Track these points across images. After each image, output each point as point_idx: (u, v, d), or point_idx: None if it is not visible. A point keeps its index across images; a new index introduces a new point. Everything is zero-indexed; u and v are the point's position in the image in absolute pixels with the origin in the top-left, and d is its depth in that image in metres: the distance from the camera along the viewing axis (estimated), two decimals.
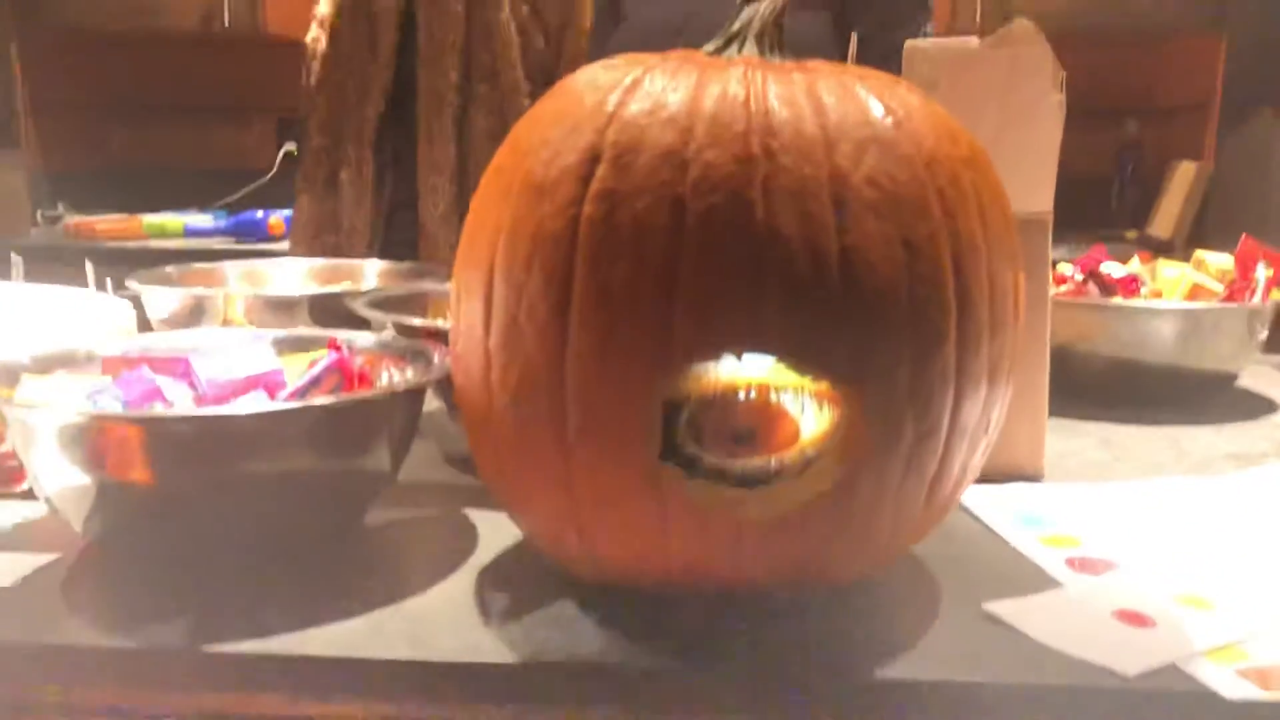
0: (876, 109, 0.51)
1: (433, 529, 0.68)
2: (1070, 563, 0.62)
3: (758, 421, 0.49)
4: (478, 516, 0.68)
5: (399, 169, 1.90)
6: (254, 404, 0.64)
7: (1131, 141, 2.84)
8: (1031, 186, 0.73)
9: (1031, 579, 0.60)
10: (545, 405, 0.50)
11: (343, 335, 0.73)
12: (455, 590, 0.58)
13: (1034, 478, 0.77)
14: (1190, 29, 2.58)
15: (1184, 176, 2.59)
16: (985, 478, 0.73)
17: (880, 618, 0.55)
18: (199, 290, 0.89)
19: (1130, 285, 1.01)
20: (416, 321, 0.75)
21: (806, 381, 0.49)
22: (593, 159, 0.49)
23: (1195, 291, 0.99)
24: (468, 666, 0.50)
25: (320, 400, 0.62)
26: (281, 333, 0.76)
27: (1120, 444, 0.87)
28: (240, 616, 0.54)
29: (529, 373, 0.50)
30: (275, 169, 2.90)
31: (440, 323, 0.75)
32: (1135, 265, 1.06)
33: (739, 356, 0.48)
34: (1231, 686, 0.48)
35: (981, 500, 0.71)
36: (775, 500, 0.49)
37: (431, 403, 0.76)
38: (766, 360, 0.48)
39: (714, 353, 0.48)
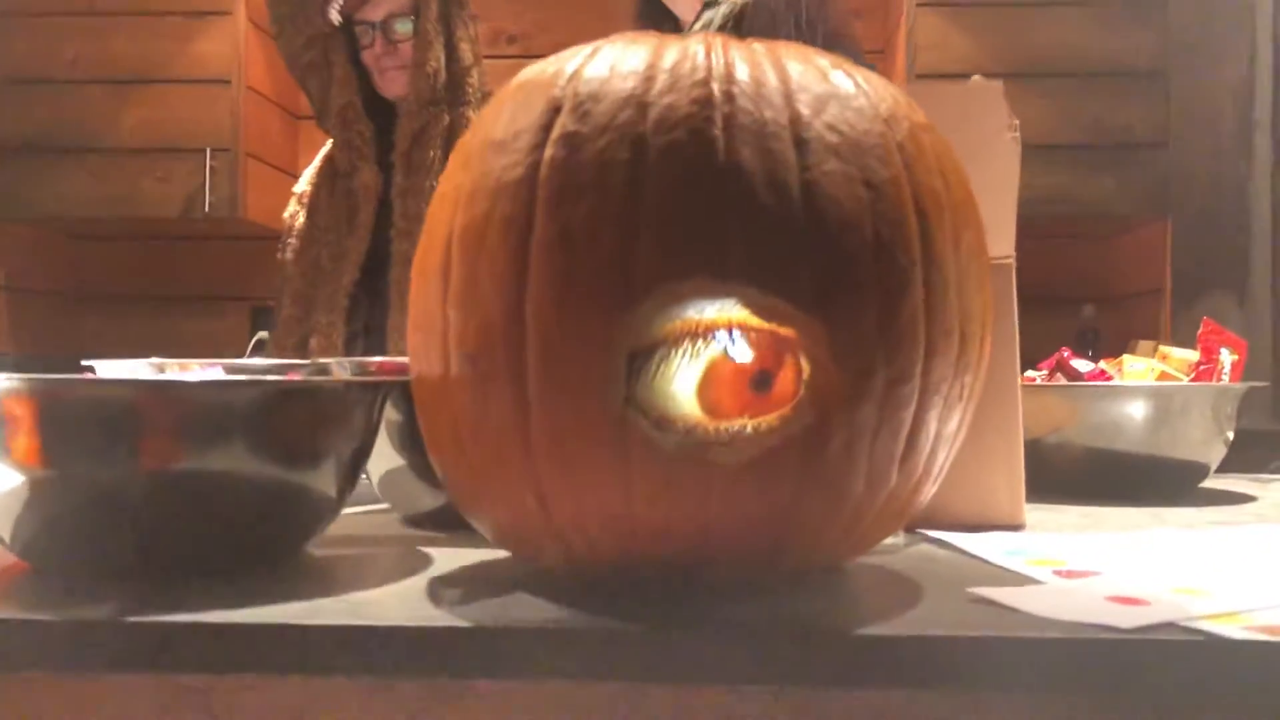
0: (837, 74, 0.51)
1: (384, 556, 0.64)
2: (1058, 574, 0.59)
3: (770, 363, 0.48)
4: (435, 551, 0.64)
5: (370, 339, 1.91)
6: (196, 374, 0.61)
7: (1088, 326, 2.91)
8: (993, 231, 0.73)
9: (1016, 580, 0.56)
10: (503, 359, 0.48)
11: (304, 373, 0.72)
12: (405, 589, 0.54)
13: (1015, 527, 0.74)
14: (1139, 216, 2.69)
15: (1144, 351, 2.63)
16: (965, 526, 0.71)
17: (860, 596, 0.52)
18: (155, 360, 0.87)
19: (1099, 378, 1.00)
20: (375, 359, 0.73)
21: (774, 320, 0.47)
22: (553, 109, 0.49)
23: (1163, 379, 0.99)
24: (414, 631, 0.46)
25: (270, 377, 0.60)
26: (238, 376, 0.74)
27: (1099, 516, 0.85)
28: (164, 594, 0.50)
29: (487, 326, 0.48)
30: (246, 357, 2.91)
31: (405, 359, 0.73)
32: (1101, 364, 1.06)
33: (703, 293, 0.46)
34: (1238, 635, 0.45)
35: (960, 539, 0.68)
36: (744, 445, 0.47)
37: (392, 459, 0.74)
38: (729, 301, 0.47)
39: (677, 288, 0.46)
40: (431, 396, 0.52)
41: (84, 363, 0.93)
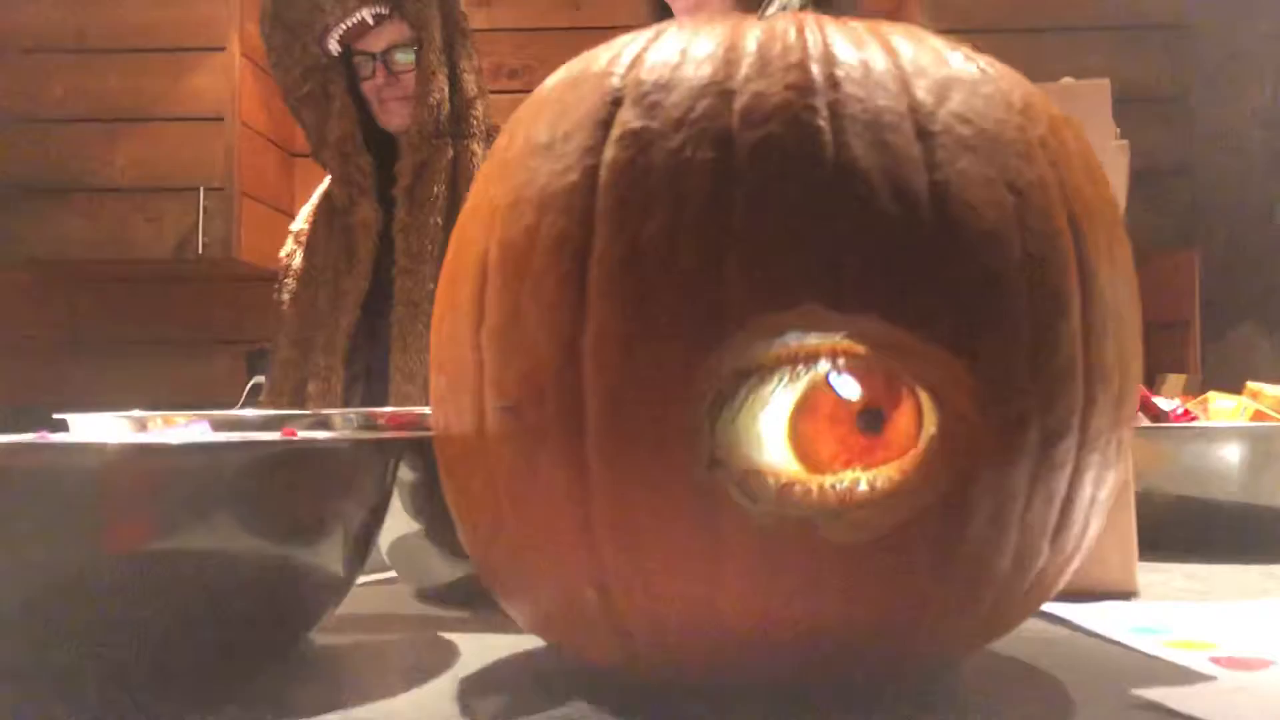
0: (954, 56, 0.42)
1: (399, 645, 0.54)
2: (1217, 660, 0.48)
3: (883, 397, 0.37)
4: (459, 638, 0.54)
5: (370, 384, 1.81)
6: (176, 433, 0.52)
7: None
8: None
9: (1176, 674, 0.46)
10: (555, 409, 0.38)
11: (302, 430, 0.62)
12: (430, 695, 0.44)
13: (1127, 595, 0.64)
14: (1164, 246, 2.60)
15: (1173, 387, 2.55)
16: (1073, 594, 0.61)
17: (999, 709, 0.41)
18: (135, 414, 0.77)
19: (1185, 418, 0.90)
20: (385, 410, 0.63)
21: (899, 358, 0.37)
22: (613, 102, 0.40)
23: (1258, 419, 0.89)
24: None
25: (264, 436, 0.50)
26: (226, 434, 0.64)
27: (1206, 578, 0.74)
28: (131, 706, 0.40)
29: (534, 369, 0.38)
30: (241, 403, 2.81)
31: (418, 410, 0.63)
32: (1180, 404, 0.97)
33: (811, 325, 0.37)
34: None
35: (1079, 612, 0.58)
36: (862, 518, 0.37)
37: (405, 524, 0.63)
38: (841, 335, 0.37)
39: (777, 319, 0.36)
40: (461, 457, 0.42)
41: (56, 416, 0.84)
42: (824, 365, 0.37)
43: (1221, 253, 2.55)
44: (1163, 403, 0.92)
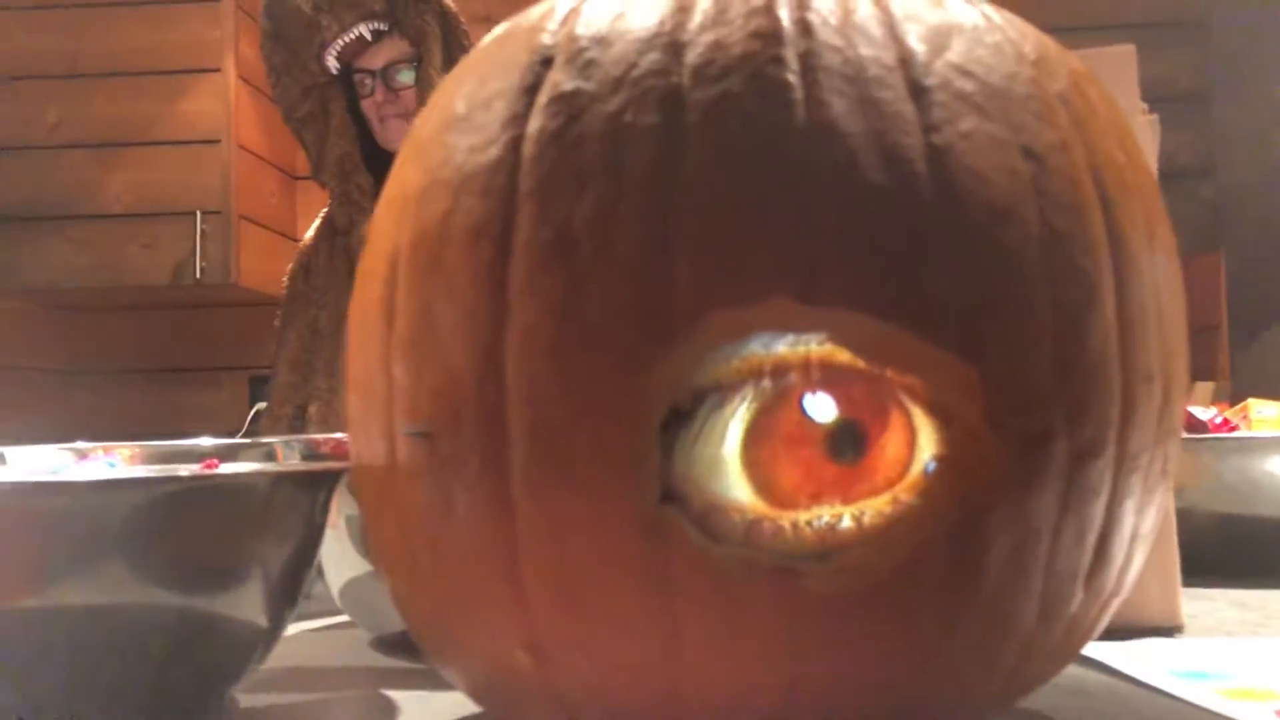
0: (953, 2, 0.35)
1: (333, 705, 0.47)
2: None
3: (863, 416, 0.30)
4: (403, 696, 0.47)
5: None
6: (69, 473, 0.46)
7: None
8: None
9: None
10: (473, 434, 0.31)
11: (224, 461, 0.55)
12: None
13: (1171, 630, 0.57)
14: (1188, 249, 2.52)
15: (1203, 395, 2.46)
16: (1107, 631, 0.53)
17: None
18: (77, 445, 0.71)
19: (1224, 427, 0.83)
20: (332, 436, 0.57)
21: (891, 364, 0.30)
22: (542, 63, 0.33)
23: None
24: None
25: (161, 471, 0.43)
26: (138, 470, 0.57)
27: (1257, 606, 0.67)
28: None
29: (448, 385, 0.32)
30: (245, 429, 2.75)
31: None
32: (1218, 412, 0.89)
33: (780, 323, 0.30)
34: None
35: (1116, 654, 0.51)
36: (855, 564, 0.30)
37: (356, 565, 0.57)
38: (817, 335, 0.30)
39: (739, 318, 0.29)
40: (373, 493, 0.36)
41: None
42: (793, 379, 0.30)
43: (1247, 254, 2.46)
44: (1199, 411, 0.84)
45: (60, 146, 2.56)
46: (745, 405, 0.30)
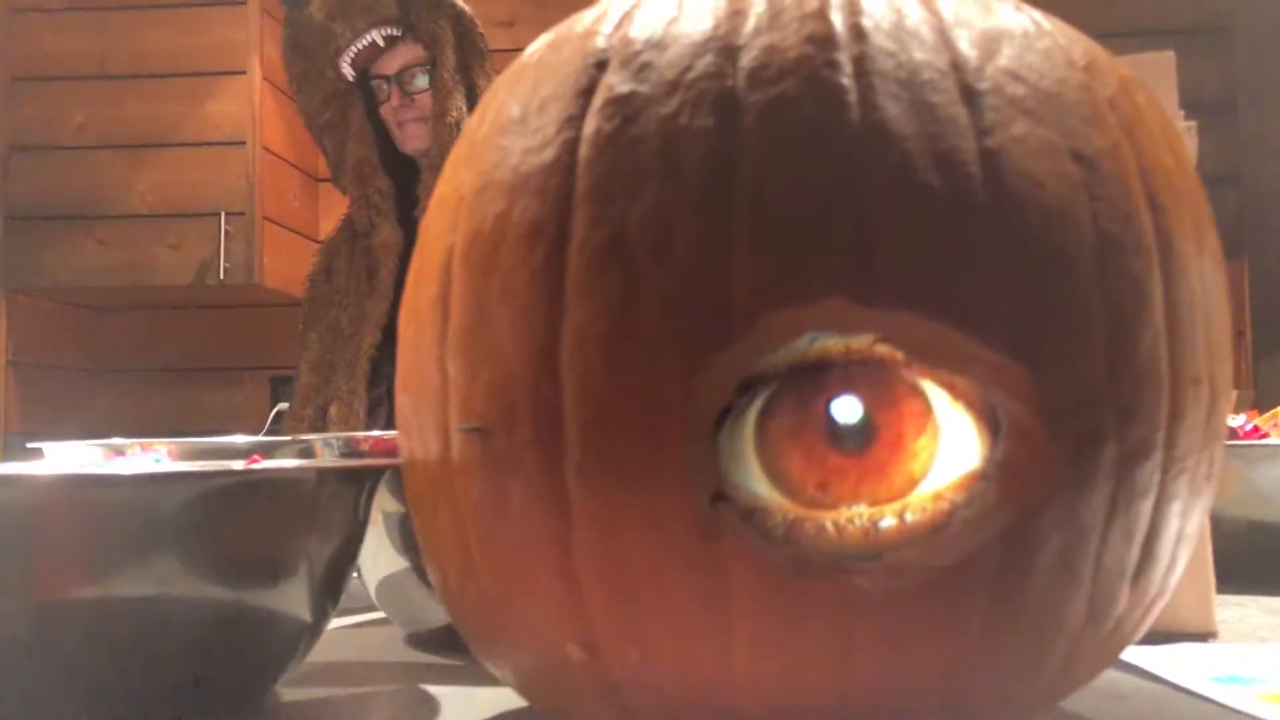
0: (1002, 6, 0.35)
1: (375, 699, 0.48)
2: None
3: (875, 405, 0.30)
4: (444, 692, 0.48)
5: (392, 407, 1.76)
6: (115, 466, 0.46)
7: None
8: None
9: None
10: (529, 431, 0.32)
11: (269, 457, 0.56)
12: None
13: (1206, 636, 0.57)
14: None
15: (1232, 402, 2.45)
16: (1148, 637, 0.54)
17: None
18: (113, 441, 0.72)
19: (1254, 435, 0.83)
20: (371, 434, 0.57)
21: (944, 363, 0.30)
22: (597, 66, 0.34)
23: None
24: None
25: (212, 466, 0.44)
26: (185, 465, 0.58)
27: None
28: None
29: (503, 384, 0.32)
30: (266, 429, 2.77)
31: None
32: (1248, 419, 0.89)
33: (836, 323, 0.30)
34: None
35: (1153, 659, 0.51)
36: (905, 563, 0.30)
37: (393, 562, 0.57)
38: (870, 336, 0.30)
39: (796, 318, 0.30)
40: (425, 488, 0.36)
41: (31, 445, 0.79)
42: (831, 380, 0.30)
43: (1271, 262, 2.45)
44: (1229, 419, 0.84)
45: (87, 147, 2.58)
46: (761, 399, 0.30)
